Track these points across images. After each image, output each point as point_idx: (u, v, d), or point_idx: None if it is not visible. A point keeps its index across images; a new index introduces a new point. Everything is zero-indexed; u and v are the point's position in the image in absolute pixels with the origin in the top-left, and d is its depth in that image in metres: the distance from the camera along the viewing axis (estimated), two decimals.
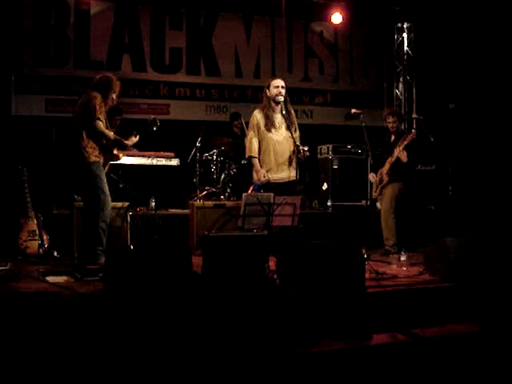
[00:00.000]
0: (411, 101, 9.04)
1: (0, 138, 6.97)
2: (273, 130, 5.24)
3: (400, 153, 5.64)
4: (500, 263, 4.50)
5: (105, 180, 4.63)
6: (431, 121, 6.83)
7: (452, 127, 7.55)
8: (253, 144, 5.29)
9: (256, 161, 5.29)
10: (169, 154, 6.42)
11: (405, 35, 9.04)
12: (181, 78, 8.16)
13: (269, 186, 5.21)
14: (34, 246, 5.34)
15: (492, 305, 4.21)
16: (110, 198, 4.64)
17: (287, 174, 5.26)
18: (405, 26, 9.02)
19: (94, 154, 4.57)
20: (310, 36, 8.78)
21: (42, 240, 5.37)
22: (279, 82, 5.21)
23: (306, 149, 5.15)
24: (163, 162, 6.38)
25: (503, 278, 4.40)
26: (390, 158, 5.81)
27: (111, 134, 4.67)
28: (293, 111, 5.41)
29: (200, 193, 6.64)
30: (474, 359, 3.59)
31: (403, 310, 3.99)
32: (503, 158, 7.48)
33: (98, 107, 4.53)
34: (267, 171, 5.23)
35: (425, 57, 8.73)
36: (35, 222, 5.41)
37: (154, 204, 6.52)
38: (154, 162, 6.29)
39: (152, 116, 5.01)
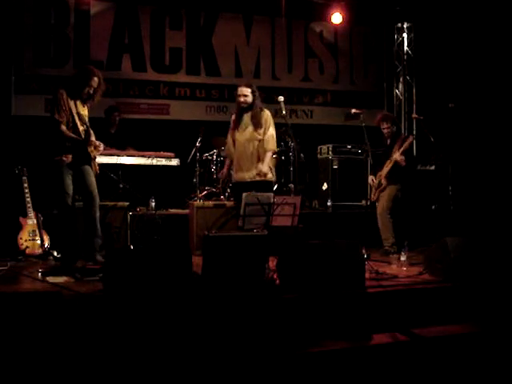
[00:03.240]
0: (411, 101, 9.05)
1: (0, 137, 6.97)
2: (238, 131, 5.48)
3: (398, 157, 5.71)
4: (500, 263, 4.50)
5: (68, 181, 4.59)
6: (431, 121, 6.83)
7: (452, 127, 7.55)
8: (227, 144, 5.69)
9: (225, 160, 5.83)
10: (169, 154, 6.41)
11: (405, 35, 9.05)
12: (181, 78, 8.16)
13: (235, 185, 5.57)
14: (34, 246, 5.34)
15: (492, 305, 4.21)
16: (70, 199, 4.59)
17: (251, 174, 5.36)
18: (405, 25, 9.03)
19: (58, 154, 4.55)
20: (310, 36, 8.77)
21: (42, 240, 5.36)
22: (241, 91, 5.38)
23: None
24: (163, 162, 6.37)
25: (503, 278, 4.40)
26: (388, 162, 5.85)
27: (69, 133, 4.60)
28: (265, 115, 5.40)
29: (200, 193, 6.64)
30: (474, 359, 3.59)
31: (403, 310, 4.00)
32: (503, 157, 7.47)
33: (55, 108, 4.52)
34: (234, 170, 5.57)
35: (425, 57, 8.73)
36: (35, 222, 5.41)
37: (153, 204, 6.51)
38: (154, 162, 6.28)
39: None
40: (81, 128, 4.65)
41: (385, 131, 6.01)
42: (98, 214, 4.81)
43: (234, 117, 5.58)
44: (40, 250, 5.34)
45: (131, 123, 7.32)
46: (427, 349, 3.64)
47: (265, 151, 5.36)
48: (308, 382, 3.27)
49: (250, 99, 5.34)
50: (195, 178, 6.63)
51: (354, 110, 6.03)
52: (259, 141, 5.36)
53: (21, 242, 5.31)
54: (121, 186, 6.35)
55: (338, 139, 7.75)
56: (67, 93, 4.63)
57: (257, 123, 5.36)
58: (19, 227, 5.38)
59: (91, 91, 4.69)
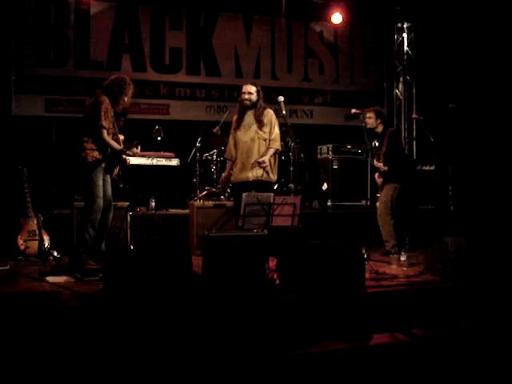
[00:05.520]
0: (411, 101, 9.06)
1: (0, 138, 6.97)
2: (239, 131, 5.36)
3: (376, 165, 5.69)
4: (500, 263, 4.50)
5: (100, 183, 4.58)
6: (431, 121, 6.83)
7: (452, 127, 7.55)
8: (228, 146, 5.56)
9: (227, 163, 5.62)
10: (169, 154, 6.42)
11: (405, 35, 9.07)
12: (181, 78, 8.16)
13: (235, 185, 5.42)
14: (34, 246, 5.34)
15: (492, 305, 4.21)
16: (101, 202, 4.56)
17: (253, 173, 5.25)
18: (405, 26, 9.05)
19: (92, 156, 4.55)
20: (310, 36, 8.78)
21: (42, 240, 5.36)
22: (245, 88, 5.34)
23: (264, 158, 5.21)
24: (163, 162, 6.39)
25: (503, 277, 4.40)
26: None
27: (116, 144, 4.66)
28: (269, 114, 5.35)
29: (200, 193, 6.64)
30: (474, 359, 3.59)
31: (403, 310, 4.00)
32: (503, 157, 7.48)
33: (103, 113, 4.53)
34: (236, 170, 5.42)
35: (425, 57, 8.74)
36: (35, 221, 5.41)
37: (153, 204, 6.52)
38: (154, 162, 6.30)
39: (157, 126, 4.98)
40: (118, 135, 4.75)
41: (365, 120, 5.79)
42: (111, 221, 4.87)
43: (235, 117, 5.50)
44: (40, 250, 5.34)
45: (131, 123, 7.32)
46: (427, 349, 3.64)
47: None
48: (308, 381, 3.27)
49: (254, 97, 5.30)
50: (195, 177, 6.63)
51: (353, 110, 6.02)
52: (264, 140, 5.25)
53: (21, 242, 5.32)
54: (121, 185, 6.35)
55: (338, 139, 7.75)
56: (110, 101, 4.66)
57: (261, 122, 5.29)
58: (19, 227, 5.38)
59: (126, 98, 4.77)
